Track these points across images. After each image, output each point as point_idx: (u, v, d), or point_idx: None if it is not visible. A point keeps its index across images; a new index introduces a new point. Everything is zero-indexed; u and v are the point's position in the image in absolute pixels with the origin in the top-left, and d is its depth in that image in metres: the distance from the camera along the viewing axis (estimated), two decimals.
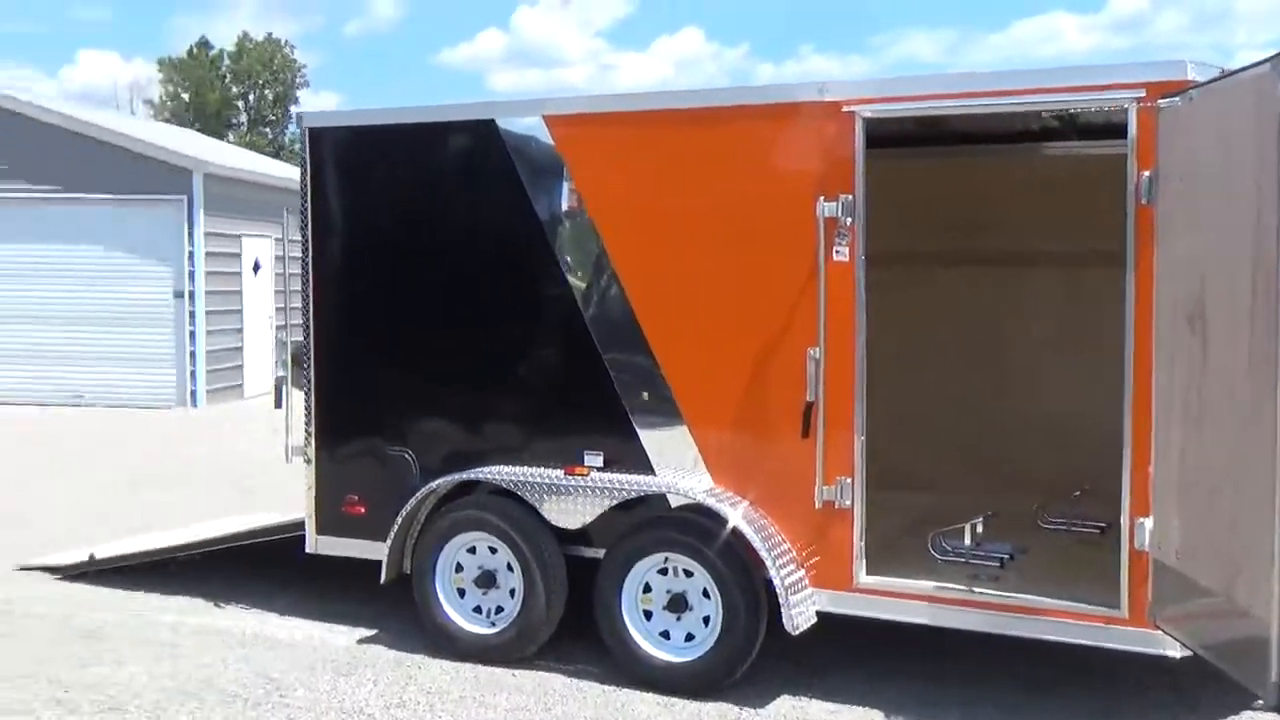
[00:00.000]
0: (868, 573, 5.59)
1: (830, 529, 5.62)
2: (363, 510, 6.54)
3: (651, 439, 5.95)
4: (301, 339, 6.74)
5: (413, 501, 6.26)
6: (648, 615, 5.84)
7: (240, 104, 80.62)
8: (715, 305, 5.83)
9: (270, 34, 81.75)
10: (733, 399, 5.81)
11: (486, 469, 6.21)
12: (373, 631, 6.60)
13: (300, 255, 6.72)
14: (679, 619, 5.78)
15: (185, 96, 76.51)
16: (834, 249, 5.51)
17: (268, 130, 78.48)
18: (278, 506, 9.39)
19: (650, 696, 5.66)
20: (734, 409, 5.82)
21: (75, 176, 16.78)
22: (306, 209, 6.68)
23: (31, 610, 6.98)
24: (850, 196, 5.46)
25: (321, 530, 6.68)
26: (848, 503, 5.56)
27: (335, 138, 6.72)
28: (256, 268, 17.94)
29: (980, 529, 6.11)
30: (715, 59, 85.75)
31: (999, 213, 7.34)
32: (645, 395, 5.96)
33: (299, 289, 6.76)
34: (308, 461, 6.70)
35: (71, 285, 16.99)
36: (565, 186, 6.13)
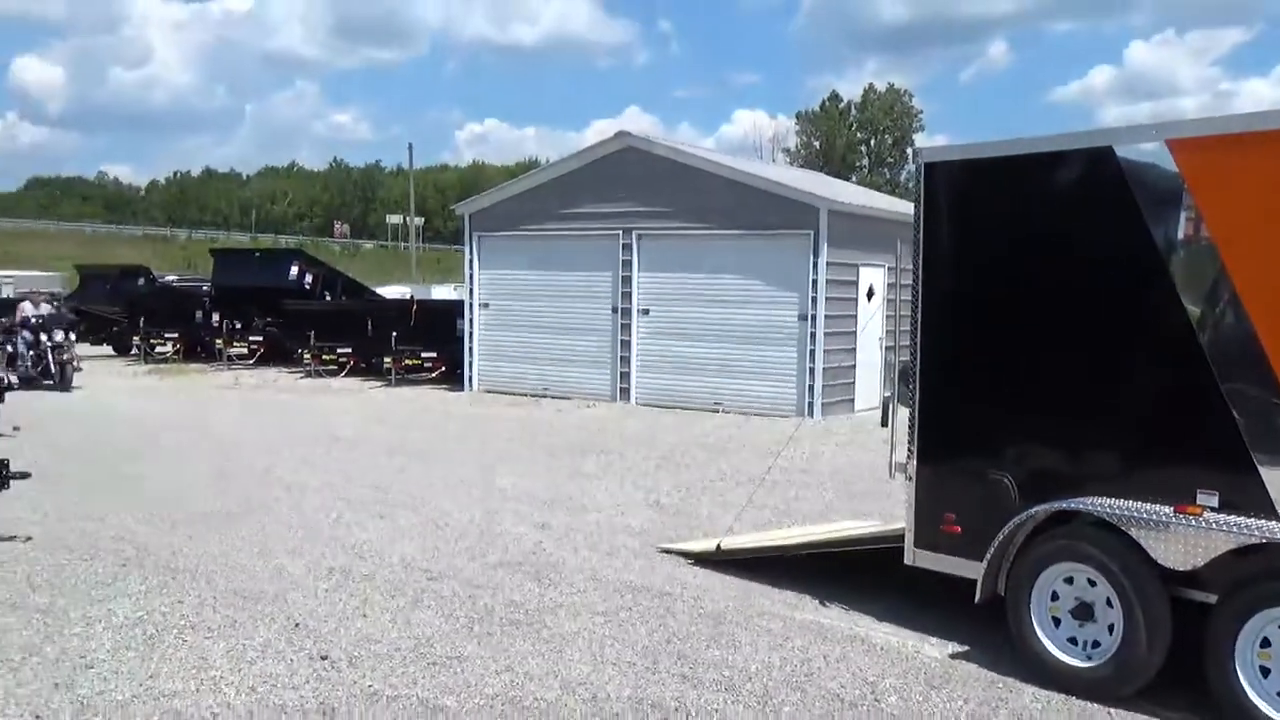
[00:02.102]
0: None
1: None
2: (959, 529, 6.29)
3: (1276, 480, 5.16)
4: (908, 360, 6.61)
5: (1010, 526, 5.92)
6: (1264, 672, 5.07)
7: (863, 148, 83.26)
8: None
9: (892, 85, 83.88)
10: None
11: (1087, 500, 5.71)
12: (965, 648, 6.31)
13: (911, 282, 6.60)
14: None
15: (816, 144, 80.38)
16: None
17: (885, 170, 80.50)
18: (879, 512, 9.38)
19: None
20: None
21: (723, 215, 18.18)
22: (919, 238, 6.54)
23: (670, 590, 7.43)
24: None
25: (919, 544, 6.51)
26: None
27: (949, 170, 6.51)
28: (870, 294, 18.23)
29: None
30: None
31: None
32: (1272, 433, 5.18)
33: (909, 314, 6.63)
34: (909, 479, 6.55)
35: (715, 308, 18.50)
36: (1188, 213, 5.50)
